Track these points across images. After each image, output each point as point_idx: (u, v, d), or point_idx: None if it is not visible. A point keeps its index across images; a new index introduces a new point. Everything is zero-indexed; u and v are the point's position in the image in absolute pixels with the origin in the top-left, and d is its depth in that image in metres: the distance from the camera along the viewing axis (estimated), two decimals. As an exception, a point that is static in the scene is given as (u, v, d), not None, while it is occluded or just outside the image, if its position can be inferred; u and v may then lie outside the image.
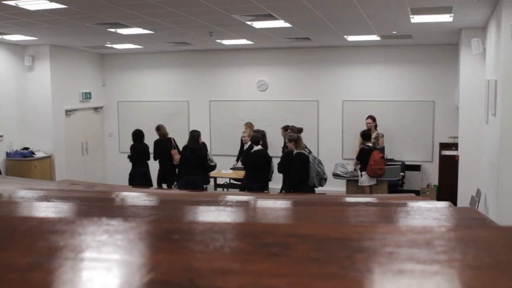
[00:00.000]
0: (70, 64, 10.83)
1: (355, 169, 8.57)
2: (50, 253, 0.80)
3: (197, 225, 1.09)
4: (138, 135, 8.94)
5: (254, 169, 7.96)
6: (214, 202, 2.48)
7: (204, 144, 8.78)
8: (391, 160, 9.99)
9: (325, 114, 10.95)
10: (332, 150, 10.86)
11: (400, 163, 9.89)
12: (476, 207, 6.40)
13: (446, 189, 8.89)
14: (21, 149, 10.02)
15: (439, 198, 8.75)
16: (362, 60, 10.66)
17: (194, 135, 8.26)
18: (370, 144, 8.40)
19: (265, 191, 7.88)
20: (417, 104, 10.39)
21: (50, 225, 1.01)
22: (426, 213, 1.62)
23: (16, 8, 6.07)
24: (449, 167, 8.90)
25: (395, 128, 10.41)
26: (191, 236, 0.91)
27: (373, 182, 8.39)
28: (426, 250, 0.78)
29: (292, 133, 7.93)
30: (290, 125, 9.31)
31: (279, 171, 7.87)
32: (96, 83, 11.91)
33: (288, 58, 11.05)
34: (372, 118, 9.49)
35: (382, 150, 8.71)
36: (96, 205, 2.04)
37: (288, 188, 7.67)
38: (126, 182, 10.12)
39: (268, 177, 8.12)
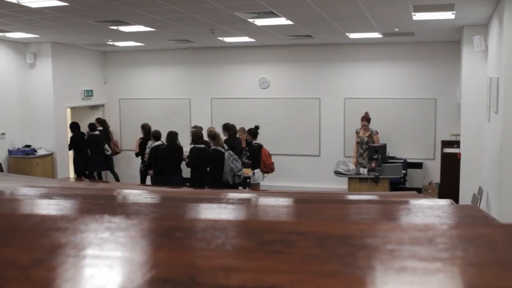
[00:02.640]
0: (72, 61, 10.84)
1: (253, 173, 8.56)
2: (52, 250, 0.80)
3: (198, 222, 1.09)
4: (76, 125, 10.49)
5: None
6: (216, 199, 2.48)
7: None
8: (393, 157, 9.98)
9: (327, 112, 10.94)
10: (334, 147, 10.86)
11: (402, 160, 9.89)
12: (478, 205, 6.40)
13: (448, 187, 8.88)
14: (23, 147, 10.04)
15: (441, 196, 8.75)
16: (364, 58, 10.65)
17: (173, 134, 8.41)
18: (258, 142, 8.61)
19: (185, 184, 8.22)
20: (419, 102, 10.38)
21: (52, 223, 1.01)
22: (428, 211, 1.62)
23: (18, 5, 6.08)
24: (451, 165, 8.89)
25: (397, 125, 10.40)
26: (193, 234, 0.91)
27: (263, 179, 8.66)
28: (428, 248, 0.78)
29: (212, 129, 8.27)
30: (198, 125, 9.50)
31: (188, 166, 8.15)
32: (98, 80, 11.92)
33: (290, 55, 11.04)
34: (367, 119, 9.43)
35: (383, 147, 8.71)
36: (98, 202, 2.04)
37: (199, 183, 7.87)
38: (128, 180, 10.20)
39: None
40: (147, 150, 8.95)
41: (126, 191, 3.35)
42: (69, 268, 0.73)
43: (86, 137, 10.43)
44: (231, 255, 0.79)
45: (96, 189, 4.27)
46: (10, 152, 9.89)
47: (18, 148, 9.95)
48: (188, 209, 1.71)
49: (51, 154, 10.26)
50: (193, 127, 8.91)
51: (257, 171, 8.45)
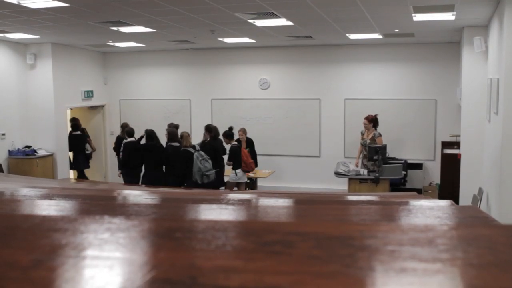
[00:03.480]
0: (72, 62, 10.84)
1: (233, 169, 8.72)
2: (52, 251, 0.80)
3: (199, 223, 1.09)
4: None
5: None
6: (216, 200, 2.48)
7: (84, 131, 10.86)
8: (393, 158, 9.97)
9: (327, 113, 10.94)
10: (334, 148, 10.86)
11: (402, 161, 9.88)
12: (478, 206, 6.40)
13: (448, 188, 8.88)
14: (23, 147, 10.04)
15: (441, 197, 8.75)
16: (364, 59, 10.65)
17: (153, 133, 8.69)
18: (235, 142, 8.72)
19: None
20: (419, 103, 10.38)
21: (53, 223, 1.01)
22: (428, 212, 1.62)
23: (18, 6, 6.08)
24: (451, 166, 8.89)
25: (397, 126, 10.39)
26: (193, 234, 0.91)
27: (245, 177, 8.81)
28: (428, 249, 0.78)
29: (183, 131, 8.67)
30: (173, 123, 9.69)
31: (164, 164, 8.50)
32: (98, 81, 11.92)
33: (290, 56, 11.04)
34: (369, 119, 9.22)
35: (384, 148, 8.69)
36: (98, 203, 2.04)
37: (173, 181, 8.20)
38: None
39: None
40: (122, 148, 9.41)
41: (126, 192, 3.36)
42: (69, 269, 0.73)
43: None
44: (231, 256, 0.79)
45: (96, 190, 4.27)
46: (10, 152, 9.88)
47: (18, 149, 9.95)
48: (188, 210, 1.71)
49: (51, 155, 10.26)
50: (168, 125, 9.21)
51: (238, 171, 8.61)
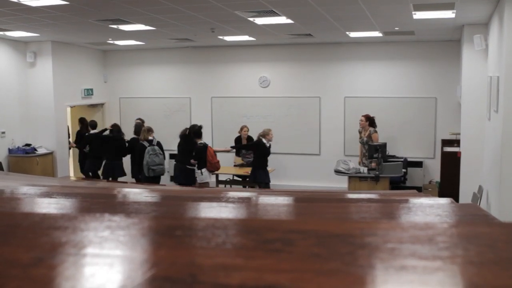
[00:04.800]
0: (72, 60, 10.84)
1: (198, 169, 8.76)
2: (52, 249, 0.80)
3: (199, 221, 1.10)
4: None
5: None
6: (216, 198, 2.48)
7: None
8: (393, 156, 9.97)
9: (327, 111, 10.94)
10: (334, 146, 10.86)
11: (402, 159, 9.89)
12: (478, 204, 6.40)
13: (448, 186, 8.88)
14: (23, 146, 10.04)
15: (441, 195, 8.75)
16: (364, 57, 10.64)
17: (117, 126, 9.58)
18: (203, 141, 8.76)
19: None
20: (419, 101, 10.38)
21: (53, 221, 1.01)
22: (428, 210, 1.62)
23: (18, 4, 6.07)
24: (451, 164, 8.89)
25: (397, 124, 10.39)
26: (193, 232, 0.91)
27: (210, 177, 8.93)
28: (428, 246, 0.78)
29: (146, 126, 9.12)
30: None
31: (128, 155, 9.18)
32: (98, 79, 11.92)
33: (290, 54, 11.03)
34: (366, 117, 9.24)
35: (384, 146, 8.70)
36: (98, 201, 2.04)
37: (134, 174, 8.96)
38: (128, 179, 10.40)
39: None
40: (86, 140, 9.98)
41: (126, 190, 3.36)
42: (69, 266, 0.73)
43: None
44: (231, 253, 0.79)
45: (96, 188, 4.28)
46: (10, 151, 9.89)
47: (18, 147, 9.95)
48: (188, 208, 1.71)
49: (51, 153, 10.27)
50: (137, 119, 9.80)
51: (203, 170, 8.61)
